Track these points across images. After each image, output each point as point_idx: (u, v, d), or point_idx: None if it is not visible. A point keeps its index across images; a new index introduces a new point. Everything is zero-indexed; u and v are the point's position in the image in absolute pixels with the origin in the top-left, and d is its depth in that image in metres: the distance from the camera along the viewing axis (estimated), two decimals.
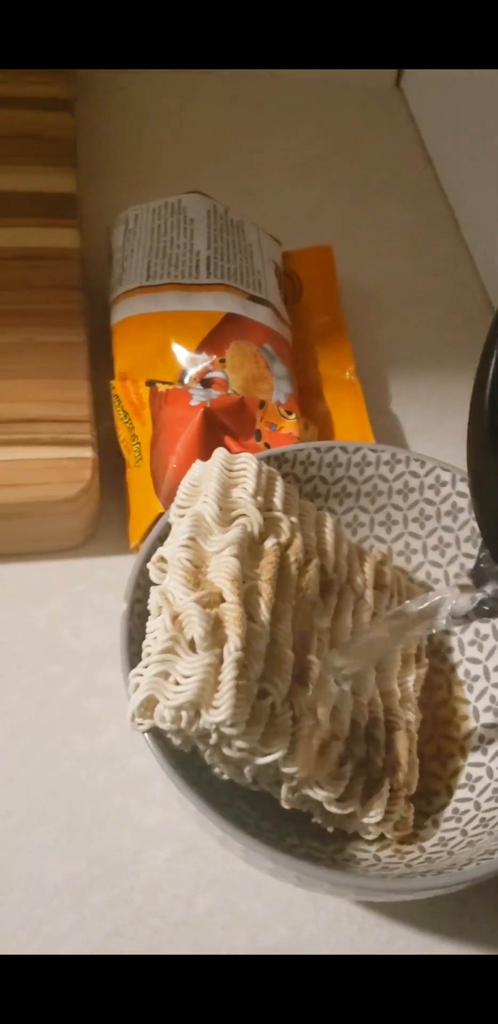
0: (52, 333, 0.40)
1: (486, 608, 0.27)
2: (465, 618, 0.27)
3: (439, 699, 0.34)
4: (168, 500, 0.36)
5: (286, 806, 0.29)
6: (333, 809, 0.29)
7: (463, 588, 0.27)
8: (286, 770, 0.27)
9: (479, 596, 0.26)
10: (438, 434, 0.44)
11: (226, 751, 0.26)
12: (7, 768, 0.33)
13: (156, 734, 0.27)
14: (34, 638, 0.36)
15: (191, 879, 0.31)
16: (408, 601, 0.29)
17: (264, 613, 0.28)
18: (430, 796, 0.32)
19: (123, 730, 0.34)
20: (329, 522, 0.33)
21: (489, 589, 0.26)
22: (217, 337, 0.40)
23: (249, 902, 0.31)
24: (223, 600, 0.27)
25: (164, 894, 0.31)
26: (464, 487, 0.34)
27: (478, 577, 0.27)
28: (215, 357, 0.39)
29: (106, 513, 0.39)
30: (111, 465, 0.39)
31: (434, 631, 0.28)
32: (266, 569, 0.29)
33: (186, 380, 0.39)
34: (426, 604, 0.27)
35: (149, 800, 0.32)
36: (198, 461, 0.31)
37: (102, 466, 0.38)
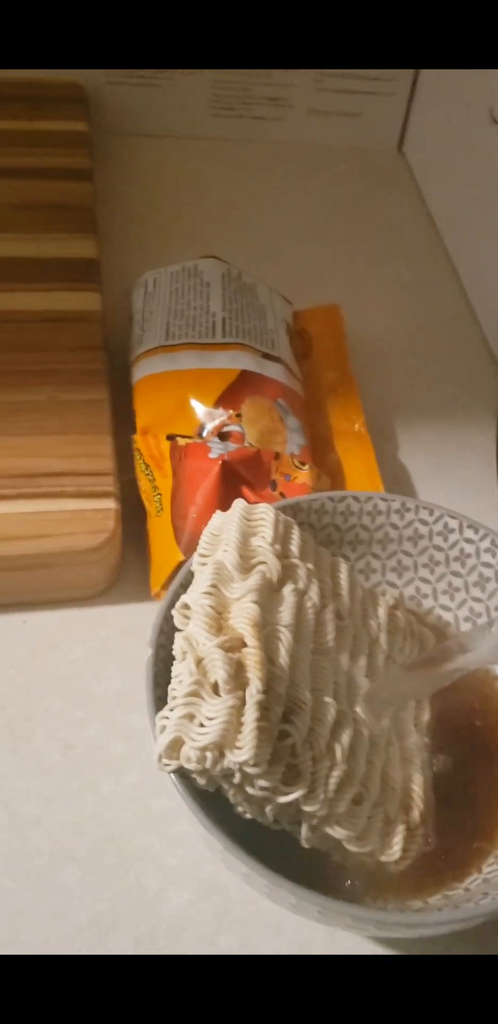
0: (76, 391, 0.42)
1: None
2: None
3: None
4: (188, 548, 0.37)
5: (306, 845, 0.30)
6: (352, 847, 0.30)
7: None
8: (306, 809, 0.28)
9: None
10: (444, 480, 0.46)
11: (249, 790, 0.28)
12: (34, 809, 0.34)
13: (181, 774, 0.28)
14: (58, 683, 0.37)
15: (213, 919, 0.32)
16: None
17: (284, 657, 0.29)
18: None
19: (146, 772, 0.35)
20: (343, 568, 0.34)
21: None
22: (233, 393, 0.42)
23: (270, 941, 0.32)
24: (245, 645, 0.28)
25: (188, 934, 0.32)
26: (471, 533, 0.36)
27: None
28: (231, 412, 0.41)
29: (127, 562, 0.40)
30: (131, 516, 0.41)
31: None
32: (285, 614, 0.30)
33: (204, 434, 0.41)
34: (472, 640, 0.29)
35: (172, 840, 0.33)
36: (218, 511, 0.32)
37: (123, 517, 0.40)
